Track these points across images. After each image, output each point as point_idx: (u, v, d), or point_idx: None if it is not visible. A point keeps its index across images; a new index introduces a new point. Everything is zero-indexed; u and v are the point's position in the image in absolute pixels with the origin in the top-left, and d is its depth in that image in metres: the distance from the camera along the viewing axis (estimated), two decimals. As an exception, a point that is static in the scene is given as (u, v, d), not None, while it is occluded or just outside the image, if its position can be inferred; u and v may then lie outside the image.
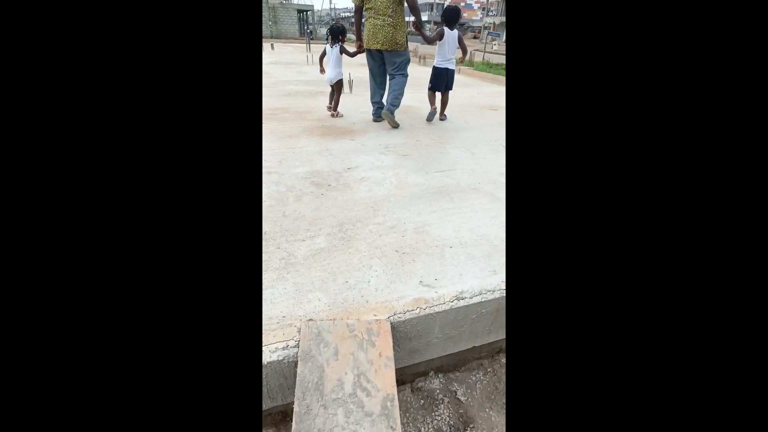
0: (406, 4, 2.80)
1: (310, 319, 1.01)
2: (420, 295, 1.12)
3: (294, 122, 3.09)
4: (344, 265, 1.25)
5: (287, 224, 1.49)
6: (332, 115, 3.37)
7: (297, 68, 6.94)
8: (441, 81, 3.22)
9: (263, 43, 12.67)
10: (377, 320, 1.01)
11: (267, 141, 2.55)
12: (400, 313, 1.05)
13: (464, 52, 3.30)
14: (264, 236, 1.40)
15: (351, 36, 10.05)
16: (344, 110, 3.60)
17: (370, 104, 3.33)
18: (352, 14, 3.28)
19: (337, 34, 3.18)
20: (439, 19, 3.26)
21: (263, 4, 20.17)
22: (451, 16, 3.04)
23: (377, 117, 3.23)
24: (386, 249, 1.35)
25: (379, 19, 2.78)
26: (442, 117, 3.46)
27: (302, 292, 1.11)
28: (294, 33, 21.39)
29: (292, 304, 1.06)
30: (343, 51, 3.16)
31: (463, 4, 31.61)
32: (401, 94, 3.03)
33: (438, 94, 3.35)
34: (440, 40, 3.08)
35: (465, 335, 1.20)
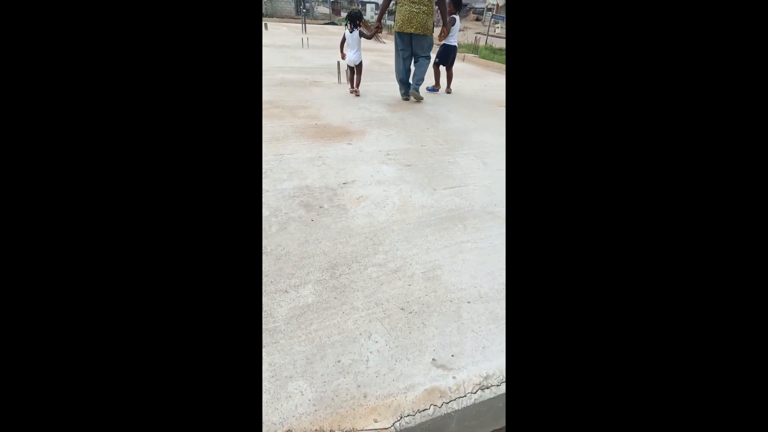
0: None
1: (288, 431, 0.75)
2: (434, 384, 0.87)
3: (284, 120, 2.77)
4: (336, 333, 0.99)
5: (268, 266, 1.22)
6: (353, 93, 3.66)
7: (291, 52, 6.49)
8: (450, 57, 3.87)
9: (257, 23, 12.01)
10: (378, 431, 0.76)
11: (252, 144, 2.24)
12: (409, 415, 0.80)
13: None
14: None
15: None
16: (340, 105, 3.28)
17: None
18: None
19: (355, 19, 3.39)
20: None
21: (257, -20, 19.10)
22: (461, 4, 3.77)
23: (406, 95, 3.56)
24: (389, 305, 1.09)
25: (414, 6, 3.10)
26: (449, 90, 4.07)
27: (281, 381, 0.85)
28: (290, 11, 20.44)
29: (266, 400, 0.81)
30: (361, 35, 3.43)
31: (466, -16, 30.37)
32: (425, 73, 3.51)
33: (442, 71, 4.00)
34: (453, 26, 3.74)
35: (487, 422, 0.95)
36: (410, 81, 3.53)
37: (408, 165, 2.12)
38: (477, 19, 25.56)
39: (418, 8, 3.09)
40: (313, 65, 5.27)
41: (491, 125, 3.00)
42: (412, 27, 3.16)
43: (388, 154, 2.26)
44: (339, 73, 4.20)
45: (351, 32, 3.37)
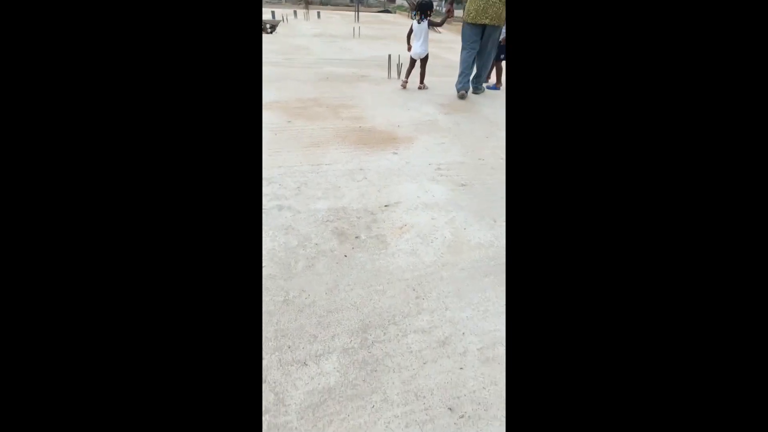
0: None
1: None
2: None
3: (326, 121, 2.56)
4: (362, 442, 0.75)
5: (287, 321, 1.01)
6: (403, 86, 3.41)
7: (341, 43, 6.30)
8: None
9: (310, 10, 12.02)
10: None
11: (289, 151, 2.06)
12: None
13: None
14: (249, 346, 0.93)
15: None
16: (388, 104, 3.01)
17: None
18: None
19: (425, 9, 3.15)
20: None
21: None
22: None
23: (463, 92, 3.21)
24: (433, 401, 0.83)
25: None
26: (499, 85, 3.68)
27: None
28: (344, 0, 20.34)
29: None
30: (431, 24, 3.22)
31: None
32: (488, 70, 3.43)
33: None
34: None
35: None
36: (470, 78, 3.27)
37: (462, 184, 1.81)
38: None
39: None
40: (362, 57, 5.04)
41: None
42: (487, 17, 2.88)
43: (439, 169, 1.96)
44: (389, 67, 3.92)
45: (419, 23, 3.18)
